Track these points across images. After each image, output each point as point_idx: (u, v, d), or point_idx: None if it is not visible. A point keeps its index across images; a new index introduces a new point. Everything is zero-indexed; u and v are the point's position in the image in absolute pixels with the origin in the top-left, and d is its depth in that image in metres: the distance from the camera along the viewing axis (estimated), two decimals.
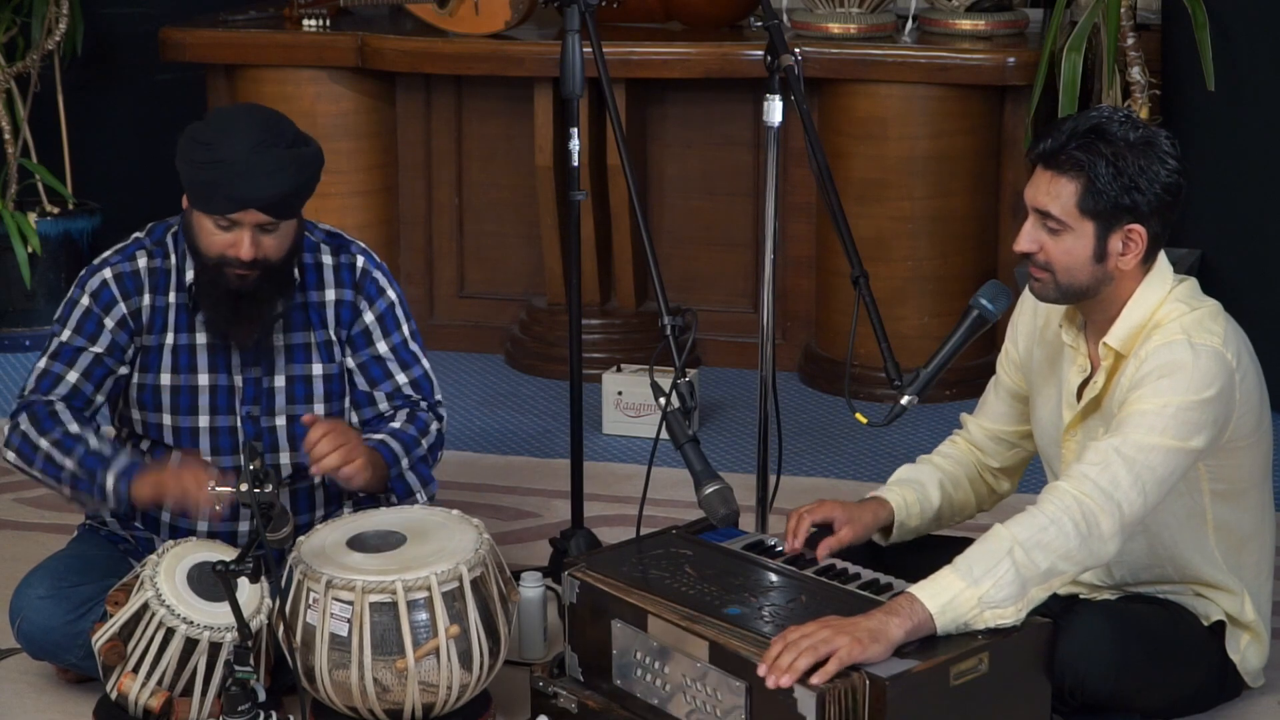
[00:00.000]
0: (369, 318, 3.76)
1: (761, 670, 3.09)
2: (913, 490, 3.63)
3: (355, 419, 3.81)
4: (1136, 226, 3.32)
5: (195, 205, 3.56)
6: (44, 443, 3.56)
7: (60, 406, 3.60)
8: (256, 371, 3.71)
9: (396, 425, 3.71)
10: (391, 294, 3.79)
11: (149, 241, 3.71)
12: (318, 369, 3.75)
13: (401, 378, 3.78)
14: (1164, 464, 3.26)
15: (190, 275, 3.66)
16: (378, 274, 3.78)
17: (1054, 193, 3.33)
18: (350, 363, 3.76)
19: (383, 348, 3.77)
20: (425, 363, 3.83)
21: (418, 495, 3.72)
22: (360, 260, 3.77)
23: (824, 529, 3.54)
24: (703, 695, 3.23)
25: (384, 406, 3.78)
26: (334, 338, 3.75)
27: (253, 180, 3.48)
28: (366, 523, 3.53)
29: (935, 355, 3.51)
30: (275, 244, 3.58)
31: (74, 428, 3.58)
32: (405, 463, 3.68)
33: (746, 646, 3.16)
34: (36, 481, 3.65)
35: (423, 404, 3.79)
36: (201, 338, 3.69)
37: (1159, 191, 3.30)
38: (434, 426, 3.78)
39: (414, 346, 3.81)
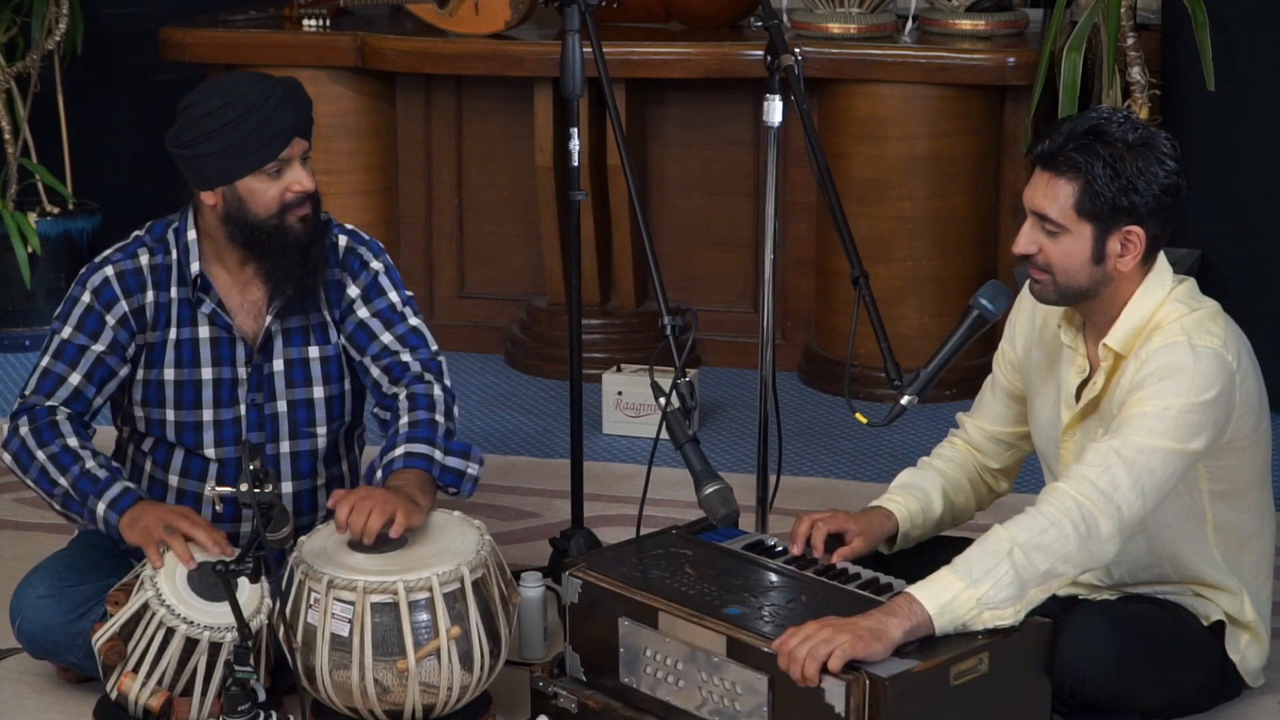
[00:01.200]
0: (354, 291, 3.75)
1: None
2: (916, 499, 3.62)
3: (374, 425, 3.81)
4: (1135, 228, 3.32)
5: (238, 173, 3.55)
6: (41, 455, 3.57)
7: (61, 416, 3.60)
8: (258, 358, 3.71)
9: (405, 421, 3.64)
10: (376, 265, 3.77)
11: (149, 239, 3.71)
12: (314, 351, 3.75)
13: (386, 336, 3.74)
14: (1163, 466, 3.26)
15: (195, 268, 3.66)
16: (361, 249, 3.77)
17: (1051, 195, 3.33)
18: (343, 340, 3.76)
19: (365, 313, 3.75)
20: (415, 320, 3.77)
21: (468, 470, 3.64)
22: (343, 240, 3.77)
23: (832, 537, 3.54)
24: (720, 690, 3.23)
25: (380, 377, 3.72)
26: (328, 319, 3.75)
27: (285, 109, 3.55)
28: None
29: (935, 355, 3.51)
30: (312, 172, 3.63)
31: (72, 442, 3.58)
32: (438, 454, 3.61)
33: (765, 639, 3.17)
34: (28, 488, 3.65)
35: (414, 365, 3.72)
36: (204, 331, 3.70)
37: (1157, 193, 3.30)
38: (435, 392, 3.70)
39: (402, 308, 3.77)
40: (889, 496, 3.64)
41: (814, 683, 3.07)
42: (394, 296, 3.77)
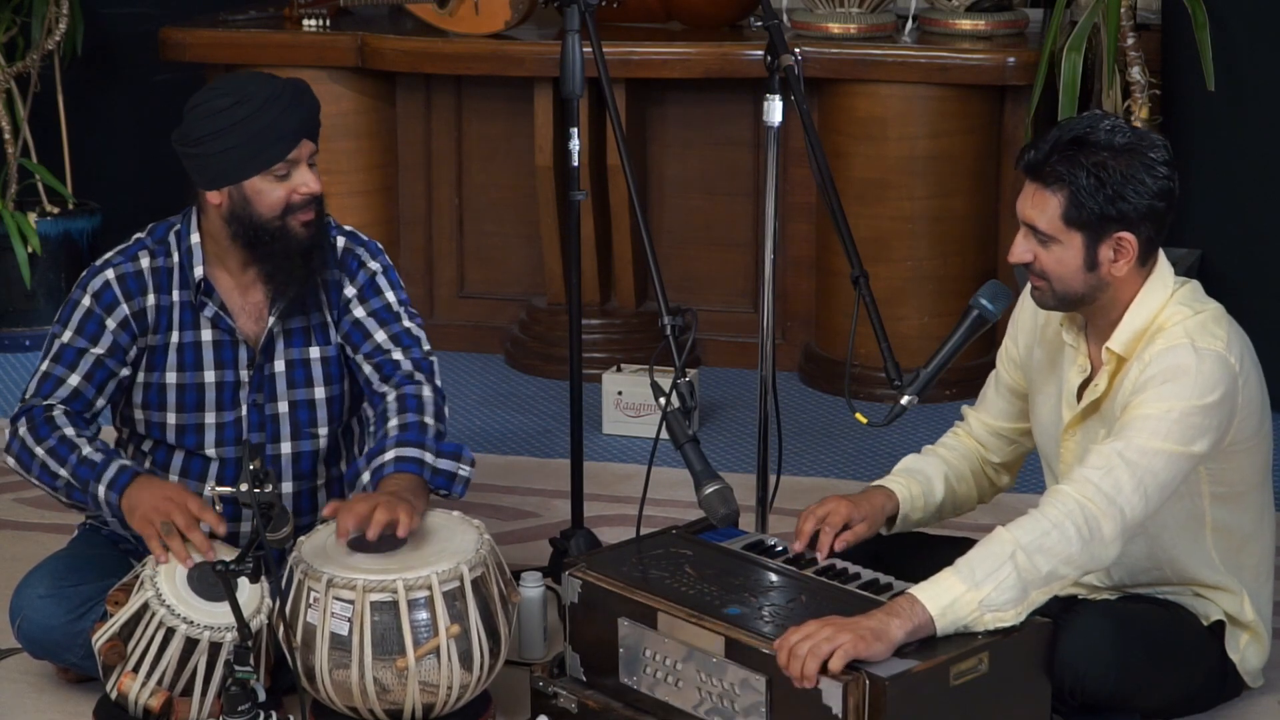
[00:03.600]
0: (350, 291, 3.76)
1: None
2: (918, 483, 3.63)
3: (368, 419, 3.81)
4: (1126, 234, 3.32)
5: (245, 173, 3.55)
6: (40, 450, 3.57)
7: (59, 411, 3.60)
8: (260, 359, 3.71)
9: (394, 424, 3.64)
10: (373, 265, 3.78)
11: (150, 241, 3.71)
12: (315, 352, 3.75)
13: (380, 335, 3.74)
14: (1166, 469, 3.26)
15: (199, 272, 3.66)
16: (359, 250, 3.78)
17: (1039, 206, 3.33)
18: (340, 339, 3.76)
19: (360, 312, 3.75)
20: (410, 323, 3.77)
21: (459, 472, 3.63)
22: (341, 241, 3.77)
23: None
24: (719, 690, 3.23)
25: (371, 374, 3.72)
26: (328, 319, 3.76)
27: (293, 110, 3.56)
28: None
29: (935, 355, 3.51)
30: (318, 176, 3.63)
31: (69, 432, 3.58)
32: (429, 457, 3.59)
33: (764, 640, 3.17)
34: (35, 487, 3.65)
35: (404, 363, 3.72)
36: (206, 335, 3.70)
37: (1147, 199, 3.29)
38: (425, 393, 3.69)
39: (398, 309, 3.77)
40: (891, 478, 3.64)
41: (813, 682, 3.07)
42: (390, 297, 3.77)
